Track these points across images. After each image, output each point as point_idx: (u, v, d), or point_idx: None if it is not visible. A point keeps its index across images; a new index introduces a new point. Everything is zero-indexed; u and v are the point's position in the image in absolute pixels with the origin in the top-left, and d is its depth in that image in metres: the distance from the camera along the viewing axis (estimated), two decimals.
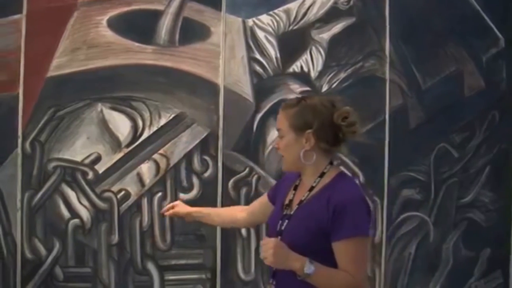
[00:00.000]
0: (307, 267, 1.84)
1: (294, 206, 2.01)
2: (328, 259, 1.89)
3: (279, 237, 1.97)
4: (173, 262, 3.41)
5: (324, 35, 3.57)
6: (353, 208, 1.90)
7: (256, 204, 2.37)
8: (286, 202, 2.06)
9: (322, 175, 1.99)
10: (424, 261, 3.76)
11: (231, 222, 2.50)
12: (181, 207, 2.47)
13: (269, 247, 1.86)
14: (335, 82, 3.59)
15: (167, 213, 2.48)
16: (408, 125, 3.70)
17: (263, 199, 2.31)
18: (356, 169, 3.60)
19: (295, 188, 2.07)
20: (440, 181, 3.77)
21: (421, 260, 3.75)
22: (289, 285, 1.93)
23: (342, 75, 3.60)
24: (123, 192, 3.35)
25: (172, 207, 2.47)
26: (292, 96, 3.48)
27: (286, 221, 1.99)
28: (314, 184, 1.99)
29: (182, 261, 3.41)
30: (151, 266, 3.38)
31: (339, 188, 1.94)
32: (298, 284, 1.89)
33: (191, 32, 3.40)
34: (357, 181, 2.63)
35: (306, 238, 1.92)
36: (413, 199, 3.72)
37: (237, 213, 2.43)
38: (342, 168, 2.12)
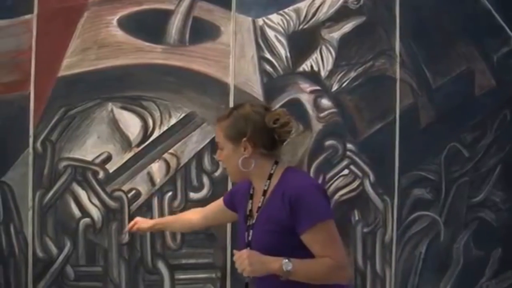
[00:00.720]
0: (285, 264, 1.86)
1: (255, 214, 2.04)
2: (305, 254, 1.92)
3: (248, 247, 1.99)
4: (183, 261, 3.41)
5: (334, 34, 3.56)
6: (306, 197, 1.93)
7: (210, 208, 2.43)
8: (247, 213, 2.08)
9: (270, 176, 2.02)
10: (435, 261, 3.74)
11: (189, 227, 2.57)
12: (142, 223, 2.55)
13: (243, 258, 1.87)
14: (345, 81, 3.58)
15: (131, 230, 2.57)
16: (419, 125, 3.69)
17: (219, 204, 2.36)
18: (367, 169, 3.59)
19: (251, 197, 2.10)
20: (451, 181, 3.75)
21: (431, 260, 3.73)
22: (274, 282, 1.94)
23: (352, 74, 3.59)
24: (133, 192, 3.36)
25: (135, 223, 2.55)
26: (302, 95, 3.50)
27: (251, 231, 2.01)
28: (265, 188, 2.02)
29: (192, 260, 3.42)
30: (161, 265, 3.39)
31: (288, 183, 1.98)
32: (279, 286, 1.91)
33: (201, 31, 3.41)
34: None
35: (274, 241, 1.94)
36: (423, 198, 3.71)
37: (192, 217, 2.49)
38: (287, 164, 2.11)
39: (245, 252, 1.90)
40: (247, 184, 2.13)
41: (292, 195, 1.93)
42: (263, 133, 2.02)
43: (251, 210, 2.07)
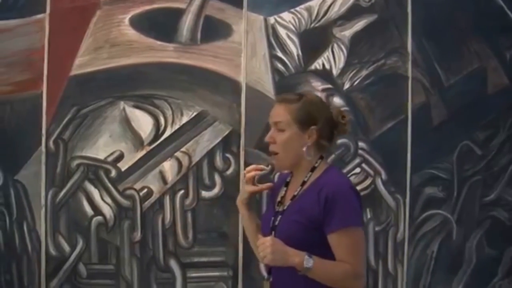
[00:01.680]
0: (306, 261, 1.84)
1: (287, 202, 2.01)
2: (324, 253, 1.90)
3: (273, 232, 1.97)
4: (195, 259, 3.42)
5: (346, 32, 3.56)
6: (343, 199, 1.91)
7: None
8: (278, 199, 2.06)
9: (313, 169, 2.00)
10: (447, 260, 3.72)
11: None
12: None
13: (266, 245, 1.85)
14: (357, 79, 3.57)
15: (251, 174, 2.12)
16: (431, 123, 3.66)
17: None
18: (379, 167, 3.58)
19: (286, 185, 2.07)
20: (463, 179, 3.72)
21: (443, 258, 3.71)
22: (286, 281, 1.93)
23: (364, 73, 3.57)
24: (145, 190, 3.37)
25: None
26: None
27: (280, 216, 1.99)
28: (305, 179, 1.99)
29: (204, 259, 3.42)
30: (173, 264, 3.40)
31: (329, 180, 1.96)
32: (296, 279, 1.89)
33: (212, 30, 3.41)
34: (346, 174, 2.81)
35: (300, 231, 1.92)
36: (436, 197, 3.69)
37: None
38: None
39: (269, 239, 1.86)
40: (286, 174, 2.10)
41: (329, 193, 1.90)
42: (329, 125, 2.00)
43: (283, 197, 2.04)
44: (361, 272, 1.93)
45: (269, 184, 2.12)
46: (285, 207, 2.00)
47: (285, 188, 2.06)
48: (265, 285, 2.02)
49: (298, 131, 1.97)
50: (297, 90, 3.48)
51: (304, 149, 1.96)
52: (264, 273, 2.06)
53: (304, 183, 1.99)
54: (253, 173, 2.09)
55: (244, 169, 3.36)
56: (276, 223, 1.98)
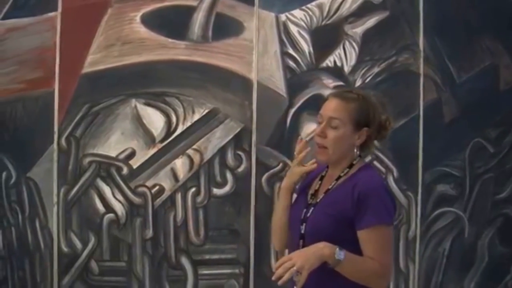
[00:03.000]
0: (338, 253, 1.83)
1: (320, 195, 2.01)
2: (352, 249, 1.88)
3: (304, 223, 1.96)
4: (207, 256, 3.42)
5: (358, 29, 3.54)
6: (376, 198, 1.90)
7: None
8: (312, 192, 2.05)
9: (350, 166, 2.00)
10: (459, 257, 3.70)
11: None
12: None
13: (293, 262, 1.80)
14: (368, 76, 3.56)
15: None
16: (443, 120, 3.65)
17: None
18: (390, 165, 3.57)
19: (321, 179, 2.06)
20: (475, 177, 3.71)
21: (455, 256, 3.70)
22: (319, 275, 1.90)
23: (376, 70, 3.56)
24: (157, 187, 3.38)
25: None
26: (326, 91, 3.47)
27: (312, 209, 1.98)
28: (342, 174, 1.99)
29: (216, 256, 3.43)
30: (184, 261, 3.40)
31: (364, 177, 1.95)
32: (325, 274, 1.87)
33: (224, 27, 3.41)
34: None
35: (331, 224, 1.92)
36: (447, 194, 3.67)
37: None
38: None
39: (290, 256, 1.83)
40: (322, 167, 2.08)
41: (363, 189, 1.90)
42: (378, 128, 2.00)
43: (317, 190, 2.03)
44: (388, 270, 1.93)
45: (314, 162, 2.07)
46: (318, 200, 2.00)
47: (319, 182, 2.05)
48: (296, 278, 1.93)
49: (351, 131, 1.97)
50: (308, 87, 3.49)
51: (355, 148, 1.98)
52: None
53: (339, 177, 1.99)
54: (304, 153, 2.07)
55: (256, 166, 3.40)
56: (308, 215, 1.98)
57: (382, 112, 2.02)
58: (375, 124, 1.98)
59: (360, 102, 1.98)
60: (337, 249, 1.83)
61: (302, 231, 1.97)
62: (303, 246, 1.95)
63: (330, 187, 1.99)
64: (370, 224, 1.88)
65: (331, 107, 1.99)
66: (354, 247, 1.89)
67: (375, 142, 2.06)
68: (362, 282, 1.91)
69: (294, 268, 1.79)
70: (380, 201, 1.91)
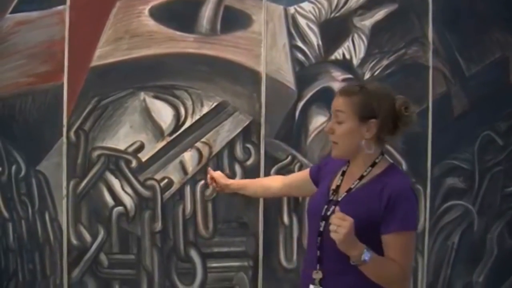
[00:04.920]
0: (365, 254, 1.82)
1: (342, 193, 1.99)
2: (372, 249, 1.88)
3: (324, 222, 1.96)
4: (216, 249, 3.43)
5: (366, 22, 3.53)
6: (405, 202, 1.89)
7: (295, 177, 2.38)
8: (333, 187, 2.03)
9: (373, 164, 1.97)
10: (468, 251, 3.70)
11: (266, 193, 2.54)
12: (220, 178, 2.52)
13: (345, 225, 1.79)
14: (377, 69, 3.55)
15: (210, 184, 2.55)
16: (452, 113, 3.64)
17: (304, 175, 2.29)
18: (399, 158, 3.56)
19: (343, 174, 2.04)
20: (484, 170, 3.69)
21: (464, 250, 3.69)
22: (338, 273, 1.92)
23: (385, 62, 3.55)
24: (166, 180, 3.38)
25: (212, 178, 2.53)
26: (334, 84, 3.47)
27: (333, 207, 1.95)
28: (364, 174, 1.97)
29: (225, 249, 3.43)
30: (193, 254, 3.41)
31: (392, 180, 1.92)
32: (349, 272, 1.88)
33: (232, 20, 3.40)
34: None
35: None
36: (456, 187, 3.66)
37: (271, 183, 2.45)
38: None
39: (351, 222, 1.80)
40: (341, 161, 2.07)
41: (393, 193, 1.88)
42: (391, 118, 1.95)
43: (338, 186, 2.01)
44: (409, 274, 1.94)
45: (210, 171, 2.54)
46: (339, 198, 1.98)
47: (341, 177, 2.03)
48: (316, 276, 1.98)
49: (357, 124, 1.95)
50: (317, 80, 3.48)
51: (363, 142, 1.94)
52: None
53: (362, 177, 1.96)
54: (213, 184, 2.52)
55: (265, 159, 3.40)
56: (329, 213, 1.96)
57: (393, 100, 1.97)
58: (383, 113, 1.94)
59: (362, 94, 1.96)
60: (365, 249, 1.83)
61: (321, 229, 1.97)
62: (321, 244, 1.95)
63: (352, 186, 1.97)
64: (398, 229, 1.88)
65: (336, 103, 2.00)
66: (373, 248, 1.88)
67: (400, 130, 1.99)
68: (384, 285, 1.91)
69: (335, 229, 1.80)
70: (410, 207, 1.91)
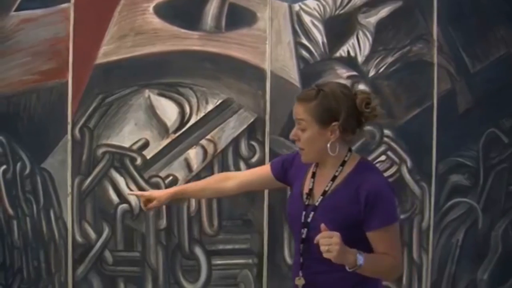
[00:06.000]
0: (358, 258, 1.83)
1: (317, 196, 1.98)
2: (363, 247, 1.90)
3: (305, 229, 1.96)
4: (220, 247, 3.43)
5: (371, 19, 3.52)
6: (382, 199, 1.90)
7: (254, 176, 2.29)
8: (306, 191, 2.01)
9: (343, 163, 1.96)
10: (472, 248, 3.69)
11: (221, 195, 2.50)
12: (160, 196, 2.31)
13: (335, 241, 1.80)
14: (382, 66, 3.54)
15: (149, 208, 2.36)
16: (457, 110, 3.63)
17: (265, 173, 2.22)
18: (404, 155, 3.56)
19: (313, 176, 2.02)
20: (489, 167, 3.69)
21: (469, 247, 3.68)
22: (323, 276, 1.93)
23: (390, 60, 3.54)
24: (171, 178, 3.38)
25: (147, 200, 2.32)
26: (339, 81, 3.45)
27: (312, 213, 1.96)
28: (336, 174, 1.96)
29: (229, 246, 3.44)
30: (198, 251, 3.41)
31: (366, 178, 1.93)
32: (335, 274, 1.89)
33: (237, 17, 3.40)
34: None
35: (337, 230, 1.88)
36: (461, 185, 3.66)
37: (226, 185, 2.30)
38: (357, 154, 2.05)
39: (338, 236, 1.80)
40: (307, 164, 2.06)
41: (370, 193, 1.89)
42: (353, 117, 1.93)
43: (311, 189, 2.00)
44: (401, 261, 1.97)
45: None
46: (316, 203, 1.97)
47: (312, 180, 2.02)
48: (298, 282, 1.99)
49: (320, 129, 1.92)
50: (322, 77, 3.47)
51: (328, 145, 1.92)
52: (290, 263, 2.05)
53: (335, 177, 1.96)
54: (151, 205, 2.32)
55: (270, 156, 3.40)
56: (309, 220, 1.96)
57: (353, 99, 1.93)
58: (344, 114, 1.91)
59: (320, 99, 1.92)
60: (357, 254, 1.83)
61: (304, 236, 1.97)
62: (304, 250, 1.96)
63: (326, 188, 1.96)
64: (381, 225, 1.90)
65: (296, 111, 1.99)
66: (364, 244, 1.90)
67: (364, 127, 1.97)
68: (382, 278, 1.96)
69: (327, 249, 1.79)
70: (388, 201, 1.92)
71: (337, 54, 3.51)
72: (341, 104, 1.92)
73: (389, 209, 1.92)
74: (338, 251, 1.79)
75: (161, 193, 2.34)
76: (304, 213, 1.98)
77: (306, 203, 2.00)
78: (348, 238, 1.87)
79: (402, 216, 3.57)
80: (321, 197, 1.97)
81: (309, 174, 2.04)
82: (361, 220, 1.90)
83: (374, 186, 1.90)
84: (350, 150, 1.99)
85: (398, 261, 1.94)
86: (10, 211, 3.34)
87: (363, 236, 1.92)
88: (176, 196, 2.36)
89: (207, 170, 3.39)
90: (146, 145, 3.37)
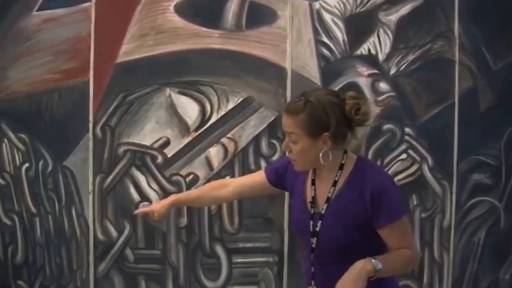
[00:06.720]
0: (376, 264, 1.84)
1: (321, 204, 1.97)
2: (378, 245, 1.92)
3: (315, 238, 1.95)
4: (241, 245, 3.43)
5: (392, 16, 3.51)
6: (388, 195, 1.90)
7: (248, 183, 2.27)
8: (309, 199, 2.00)
9: (341, 167, 1.95)
10: (494, 247, 3.66)
11: (214, 201, 2.55)
12: (159, 208, 2.28)
13: (347, 286, 1.82)
14: (403, 64, 3.52)
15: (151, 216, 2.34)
16: (478, 108, 3.60)
17: (260, 180, 2.21)
18: (425, 153, 3.54)
19: (313, 183, 2.01)
20: (511, 166, 3.66)
21: (491, 246, 3.66)
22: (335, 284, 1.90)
23: (410, 58, 3.52)
24: (191, 176, 3.39)
25: (151, 212, 2.30)
26: (360, 79, 3.46)
27: (319, 221, 1.95)
28: (336, 178, 1.95)
29: (250, 244, 3.44)
30: (219, 249, 3.42)
31: (367, 177, 1.92)
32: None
33: (257, 16, 3.40)
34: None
35: (347, 235, 1.91)
36: (483, 183, 3.63)
37: (222, 192, 2.30)
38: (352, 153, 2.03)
39: (343, 280, 1.82)
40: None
41: (374, 191, 1.88)
42: (344, 124, 1.90)
43: (314, 197, 1.99)
44: (417, 251, 2.01)
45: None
46: (322, 210, 1.96)
47: (313, 187, 2.00)
48: None
49: (311, 141, 1.90)
50: (343, 75, 3.47)
51: (320, 155, 1.90)
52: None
53: (335, 182, 1.95)
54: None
55: None
56: (317, 228, 1.95)
57: (342, 106, 1.90)
58: (334, 124, 1.88)
59: (308, 110, 1.88)
60: (373, 261, 1.84)
61: (314, 245, 1.97)
62: (314, 259, 1.97)
63: (329, 195, 1.95)
64: (390, 221, 1.90)
65: (284, 123, 1.95)
66: (378, 242, 1.92)
67: (356, 131, 1.94)
68: (401, 272, 1.97)
69: None
70: (393, 197, 1.92)
71: (358, 52, 3.49)
72: (330, 113, 1.89)
73: (395, 204, 1.92)
74: (353, 282, 1.81)
75: (159, 207, 2.29)
76: (311, 222, 1.98)
77: (312, 211, 1.99)
78: (360, 238, 1.89)
79: (423, 215, 3.56)
80: (326, 204, 1.96)
81: (309, 181, 2.03)
82: (370, 217, 1.90)
83: (377, 184, 1.90)
84: (346, 151, 1.98)
85: (413, 252, 1.95)
86: (33, 209, 3.37)
87: (374, 233, 1.92)
88: (174, 205, 2.36)
89: (227, 168, 3.40)
90: (167, 143, 3.38)
